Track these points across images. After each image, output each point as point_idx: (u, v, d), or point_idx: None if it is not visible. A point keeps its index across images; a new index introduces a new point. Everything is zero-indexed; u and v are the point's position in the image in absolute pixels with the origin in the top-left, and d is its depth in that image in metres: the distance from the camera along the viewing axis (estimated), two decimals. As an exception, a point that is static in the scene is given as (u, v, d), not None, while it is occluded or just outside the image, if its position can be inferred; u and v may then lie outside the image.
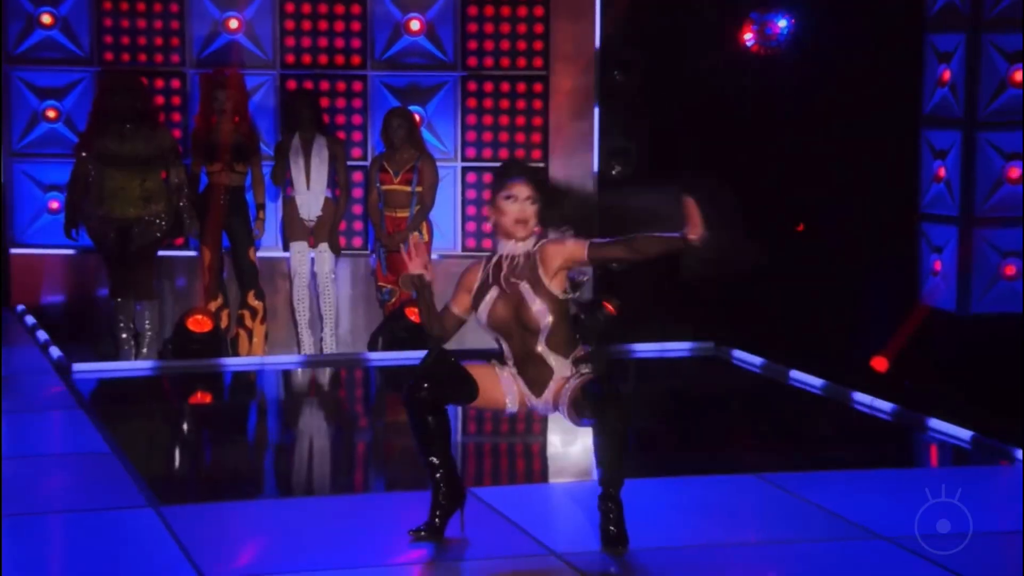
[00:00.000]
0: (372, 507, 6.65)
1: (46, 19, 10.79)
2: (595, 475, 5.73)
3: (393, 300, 10.25)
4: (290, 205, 10.39)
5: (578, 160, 10.80)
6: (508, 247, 5.74)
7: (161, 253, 10.12)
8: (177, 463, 7.72)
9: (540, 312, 5.65)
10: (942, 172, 9.42)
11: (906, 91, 9.56)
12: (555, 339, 5.70)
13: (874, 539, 5.90)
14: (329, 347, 10.40)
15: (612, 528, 5.66)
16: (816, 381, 8.81)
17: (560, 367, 5.73)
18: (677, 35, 10.67)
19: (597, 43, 10.83)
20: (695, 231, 5.43)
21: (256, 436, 8.43)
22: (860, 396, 8.43)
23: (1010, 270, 9.29)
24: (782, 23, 10.38)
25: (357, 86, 10.91)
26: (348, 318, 10.84)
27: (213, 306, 10.30)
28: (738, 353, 9.71)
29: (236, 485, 7.12)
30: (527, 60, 10.91)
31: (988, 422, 7.54)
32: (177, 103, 10.91)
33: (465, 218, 10.93)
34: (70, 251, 10.69)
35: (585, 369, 5.70)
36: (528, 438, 8.28)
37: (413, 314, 9.90)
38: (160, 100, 10.77)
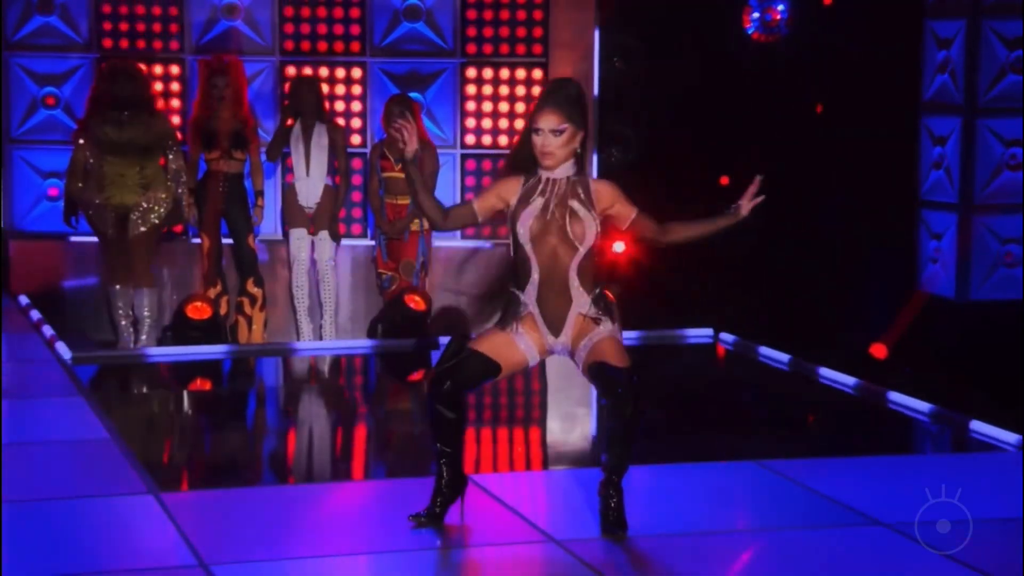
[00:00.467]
0: (371, 494, 6.66)
1: (44, 7, 10.77)
2: (594, 462, 5.73)
3: (393, 287, 10.24)
4: (290, 192, 10.38)
5: (577, 147, 10.77)
6: (546, 173, 5.74)
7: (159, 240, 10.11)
8: (176, 450, 7.73)
9: (588, 225, 5.65)
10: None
11: (906, 78, 9.55)
12: (585, 266, 5.69)
13: (874, 526, 5.90)
14: (328, 334, 10.39)
15: (612, 514, 5.67)
16: (815, 368, 8.81)
17: (579, 299, 5.71)
18: (676, 22, 10.66)
19: (596, 30, 10.82)
20: (748, 207, 5.81)
21: (255, 423, 8.43)
22: (859, 383, 8.43)
23: (1009, 257, 9.30)
24: (781, 9, 10.37)
25: (356, 73, 10.91)
26: (348, 305, 10.84)
27: (212, 293, 10.30)
28: (736, 340, 9.71)
29: (235, 472, 7.13)
30: (526, 47, 10.90)
31: (988, 409, 7.55)
32: (176, 90, 10.90)
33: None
34: (69, 238, 10.67)
35: (603, 315, 5.70)
36: (528, 425, 8.29)
37: (413, 301, 9.90)
38: (159, 87, 10.77)
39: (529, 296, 5.73)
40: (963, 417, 7.57)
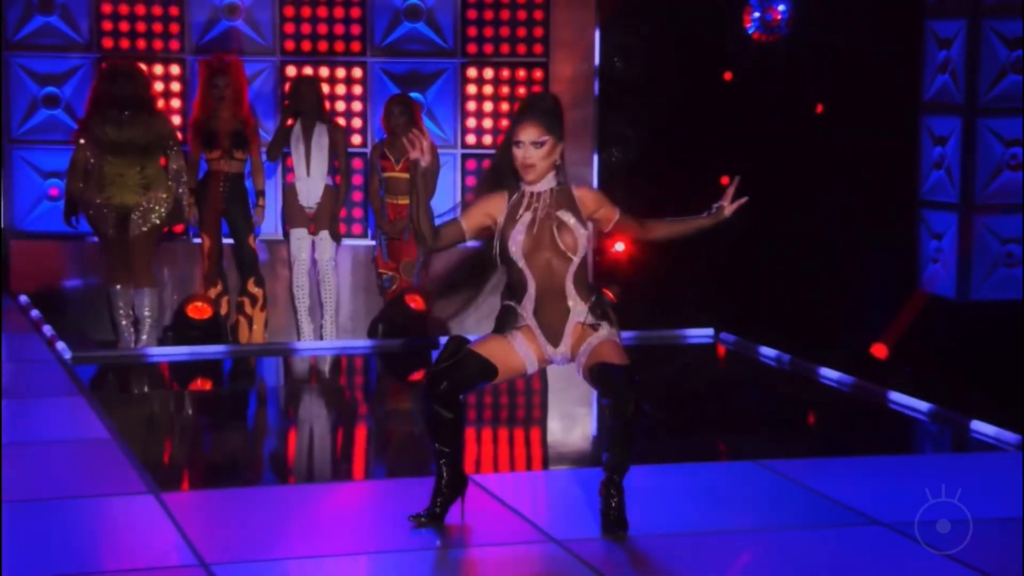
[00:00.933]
0: (371, 494, 6.66)
1: (45, 7, 10.76)
2: (594, 462, 5.73)
3: (393, 287, 10.25)
4: (290, 192, 10.38)
5: (577, 147, 10.77)
6: (529, 187, 5.75)
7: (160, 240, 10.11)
8: (177, 450, 7.72)
9: (579, 234, 5.67)
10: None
11: (906, 78, 9.55)
12: (580, 275, 5.71)
13: (874, 526, 5.90)
14: (329, 334, 10.39)
15: (613, 514, 5.67)
16: (816, 368, 8.81)
17: (576, 308, 5.72)
18: (677, 21, 10.66)
19: (596, 30, 10.81)
20: (729, 208, 5.86)
21: (256, 423, 8.43)
22: (859, 383, 8.43)
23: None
24: (781, 9, 10.37)
25: (357, 73, 10.90)
26: (348, 305, 10.84)
27: (213, 293, 10.30)
28: (737, 340, 9.71)
29: (235, 472, 7.13)
30: (527, 47, 10.90)
31: (988, 409, 7.55)
32: (176, 90, 10.90)
33: (465, 205, 10.88)
34: (70, 238, 10.67)
35: (601, 321, 5.71)
36: (528, 425, 8.29)
37: (413, 301, 9.90)
38: (159, 87, 10.76)
39: (526, 309, 5.74)
40: (963, 417, 7.56)
